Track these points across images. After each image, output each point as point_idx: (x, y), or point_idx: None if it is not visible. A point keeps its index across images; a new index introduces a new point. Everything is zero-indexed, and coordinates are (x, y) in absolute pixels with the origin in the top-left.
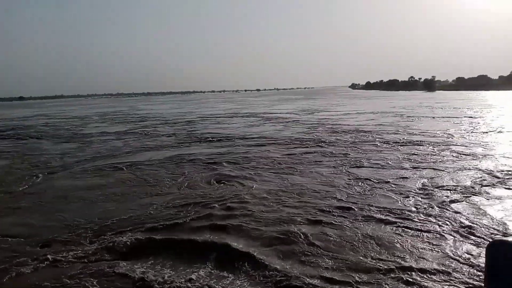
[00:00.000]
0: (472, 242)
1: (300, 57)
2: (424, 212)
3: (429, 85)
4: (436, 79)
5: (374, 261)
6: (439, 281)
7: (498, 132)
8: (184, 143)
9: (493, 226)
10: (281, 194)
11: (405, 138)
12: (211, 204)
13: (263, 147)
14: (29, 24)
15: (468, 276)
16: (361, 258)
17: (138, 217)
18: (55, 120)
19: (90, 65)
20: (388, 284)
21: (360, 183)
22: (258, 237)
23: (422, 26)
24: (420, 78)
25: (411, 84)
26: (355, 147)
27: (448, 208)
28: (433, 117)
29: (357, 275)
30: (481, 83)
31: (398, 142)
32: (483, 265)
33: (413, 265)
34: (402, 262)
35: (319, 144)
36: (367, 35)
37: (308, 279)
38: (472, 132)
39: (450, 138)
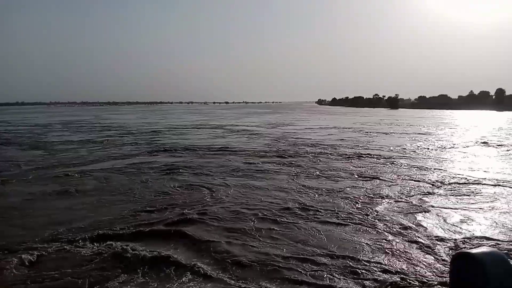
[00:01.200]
0: (404, 240)
1: (269, 71)
2: (363, 215)
3: (392, 103)
4: (399, 97)
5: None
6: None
7: (446, 148)
8: (149, 153)
9: (423, 227)
10: (240, 197)
11: (359, 152)
12: (170, 209)
13: (226, 156)
14: None
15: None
16: (304, 246)
17: (96, 223)
18: (16, 127)
19: (52, 72)
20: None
21: (311, 190)
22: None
23: (387, 45)
24: (384, 96)
25: (375, 102)
26: (312, 159)
27: (384, 212)
28: (390, 133)
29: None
30: (442, 102)
31: (352, 156)
32: (416, 255)
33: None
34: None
35: (280, 156)
36: (334, 52)
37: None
38: (421, 148)
39: (400, 153)
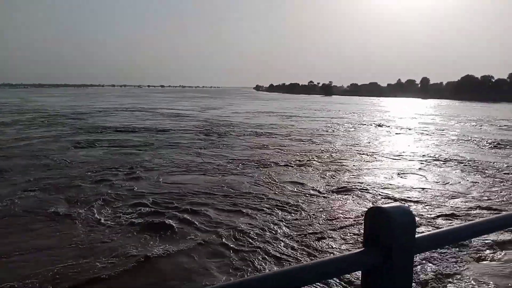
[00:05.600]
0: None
1: (208, 56)
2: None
3: (326, 90)
4: (333, 84)
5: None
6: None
7: (350, 130)
8: (76, 133)
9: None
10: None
11: (267, 131)
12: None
13: (149, 133)
14: None
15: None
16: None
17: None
18: None
19: None
20: None
21: (209, 155)
22: None
23: (322, 34)
24: (318, 83)
25: (310, 88)
26: (223, 135)
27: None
28: (304, 117)
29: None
30: (372, 89)
31: (259, 134)
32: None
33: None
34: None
35: (198, 133)
36: (272, 41)
37: None
38: (319, 129)
39: (298, 133)
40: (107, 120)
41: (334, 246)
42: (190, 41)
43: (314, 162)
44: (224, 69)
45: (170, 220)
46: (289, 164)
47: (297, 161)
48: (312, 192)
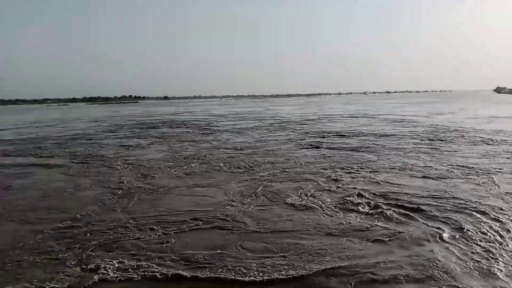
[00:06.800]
0: None
1: (431, 56)
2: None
3: None
4: None
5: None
6: None
7: None
8: (304, 137)
9: None
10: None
11: (506, 138)
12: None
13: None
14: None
15: None
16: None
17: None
18: (197, 116)
19: (221, 69)
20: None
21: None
22: None
23: None
24: None
25: None
26: (448, 142)
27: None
28: None
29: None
30: None
31: (495, 143)
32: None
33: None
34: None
35: (426, 139)
36: None
37: None
38: None
39: None
40: (331, 126)
41: None
42: (415, 41)
43: None
44: (454, 68)
45: (395, 228)
46: None
47: None
48: None
